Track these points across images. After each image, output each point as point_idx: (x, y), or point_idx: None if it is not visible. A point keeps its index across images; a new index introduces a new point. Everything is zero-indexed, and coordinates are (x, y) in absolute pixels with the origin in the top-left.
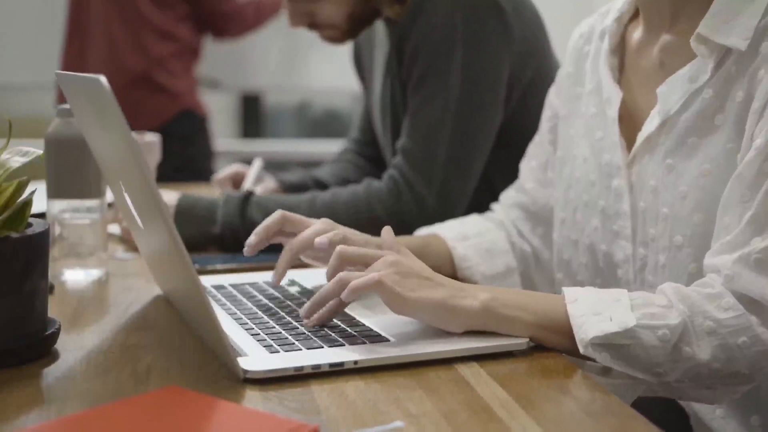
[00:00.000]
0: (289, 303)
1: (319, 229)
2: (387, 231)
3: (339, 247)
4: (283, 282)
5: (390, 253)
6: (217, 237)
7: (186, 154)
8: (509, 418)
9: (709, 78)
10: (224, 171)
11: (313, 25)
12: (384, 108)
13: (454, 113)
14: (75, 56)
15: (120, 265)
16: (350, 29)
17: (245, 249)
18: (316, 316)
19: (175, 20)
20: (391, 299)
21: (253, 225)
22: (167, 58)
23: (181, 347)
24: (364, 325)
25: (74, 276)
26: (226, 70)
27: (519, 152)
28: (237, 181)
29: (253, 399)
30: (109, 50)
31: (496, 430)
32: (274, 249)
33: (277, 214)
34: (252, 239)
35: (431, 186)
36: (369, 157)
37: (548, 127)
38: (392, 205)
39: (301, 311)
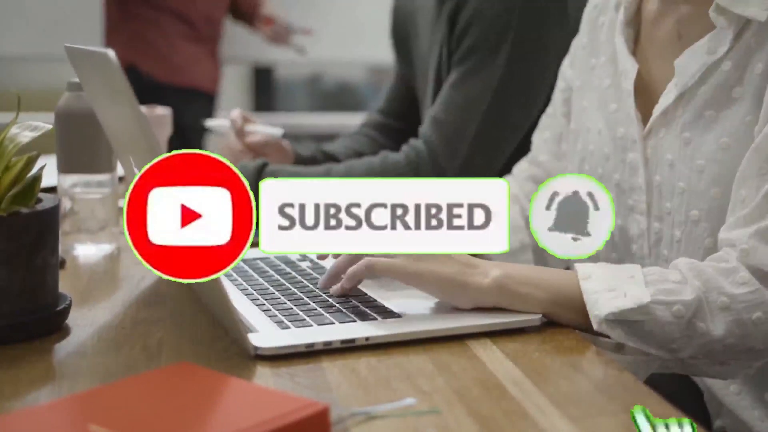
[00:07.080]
0: (300, 278)
1: None
2: None
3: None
4: (294, 257)
5: None
6: None
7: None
8: (521, 395)
9: (728, 50)
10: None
11: None
12: (430, 77)
13: (496, 90)
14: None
15: None
16: None
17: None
18: (336, 286)
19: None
20: (394, 272)
21: None
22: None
23: (193, 322)
24: (375, 301)
25: (85, 250)
26: (239, 43)
27: None
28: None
29: (264, 376)
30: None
31: (508, 406)
32: None
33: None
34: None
35: (455, 159)
36: (390, 129)
37: (562, 99)
38: (409, 177)
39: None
